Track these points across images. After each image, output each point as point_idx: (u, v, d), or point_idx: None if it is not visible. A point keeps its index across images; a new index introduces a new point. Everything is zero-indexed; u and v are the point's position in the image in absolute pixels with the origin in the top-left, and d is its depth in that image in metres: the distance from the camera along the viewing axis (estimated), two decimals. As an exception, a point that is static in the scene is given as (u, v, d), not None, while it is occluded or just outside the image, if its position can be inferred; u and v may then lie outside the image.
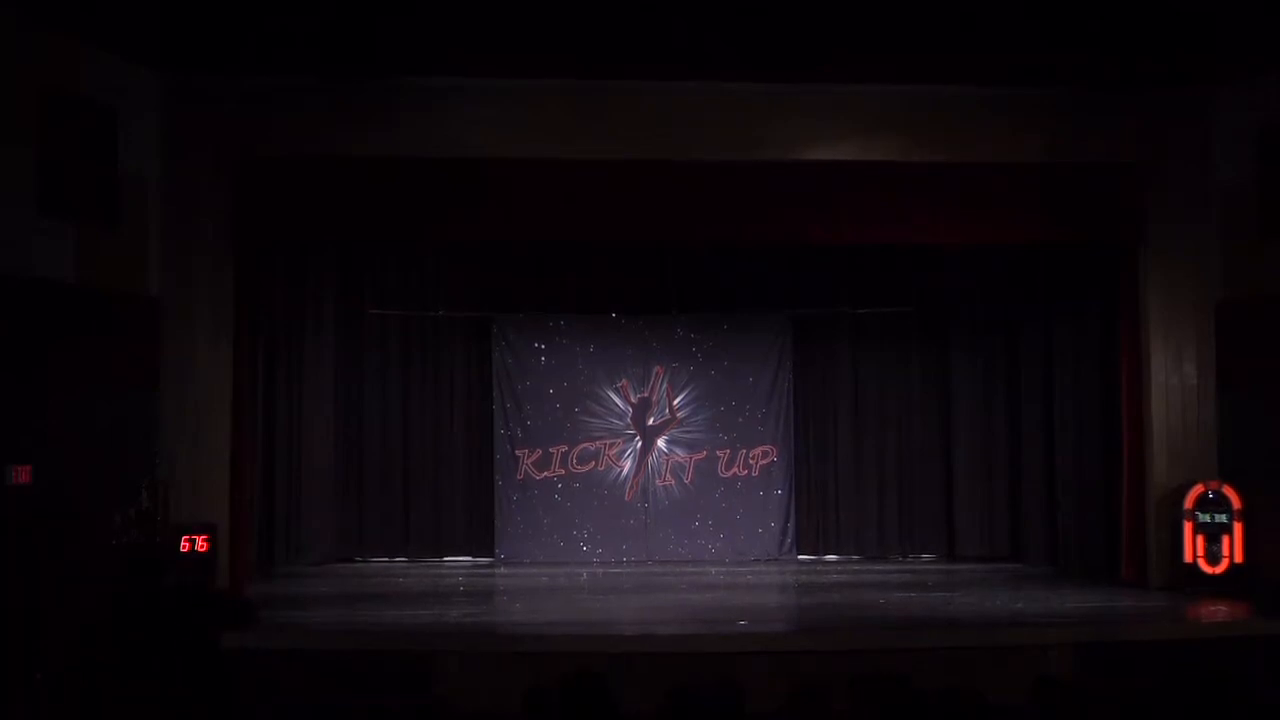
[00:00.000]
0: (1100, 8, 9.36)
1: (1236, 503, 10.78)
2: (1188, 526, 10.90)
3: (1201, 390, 11.22)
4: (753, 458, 13.62)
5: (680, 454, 13.61)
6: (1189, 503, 10.90)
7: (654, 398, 13.64)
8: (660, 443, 13.62)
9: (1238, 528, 10.78)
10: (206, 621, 8.55)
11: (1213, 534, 10.83)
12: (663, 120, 10.96)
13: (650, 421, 13.63)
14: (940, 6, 9.38)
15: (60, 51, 9.75)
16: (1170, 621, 9.70)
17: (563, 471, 13.50)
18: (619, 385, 13.62)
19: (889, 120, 11.09)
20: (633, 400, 13.62)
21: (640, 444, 13.59)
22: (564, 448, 13.52)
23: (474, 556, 13.46)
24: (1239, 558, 10.76)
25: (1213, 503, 10.86)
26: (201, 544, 10.12)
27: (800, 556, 13.57)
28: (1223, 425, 11.15)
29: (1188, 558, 10.90)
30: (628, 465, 13.57)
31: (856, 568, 13.09)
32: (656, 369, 13.65)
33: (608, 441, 13.58)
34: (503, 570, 12.98)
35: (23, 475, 9.07)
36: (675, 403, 13.64)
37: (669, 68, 10.63)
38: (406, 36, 9.99)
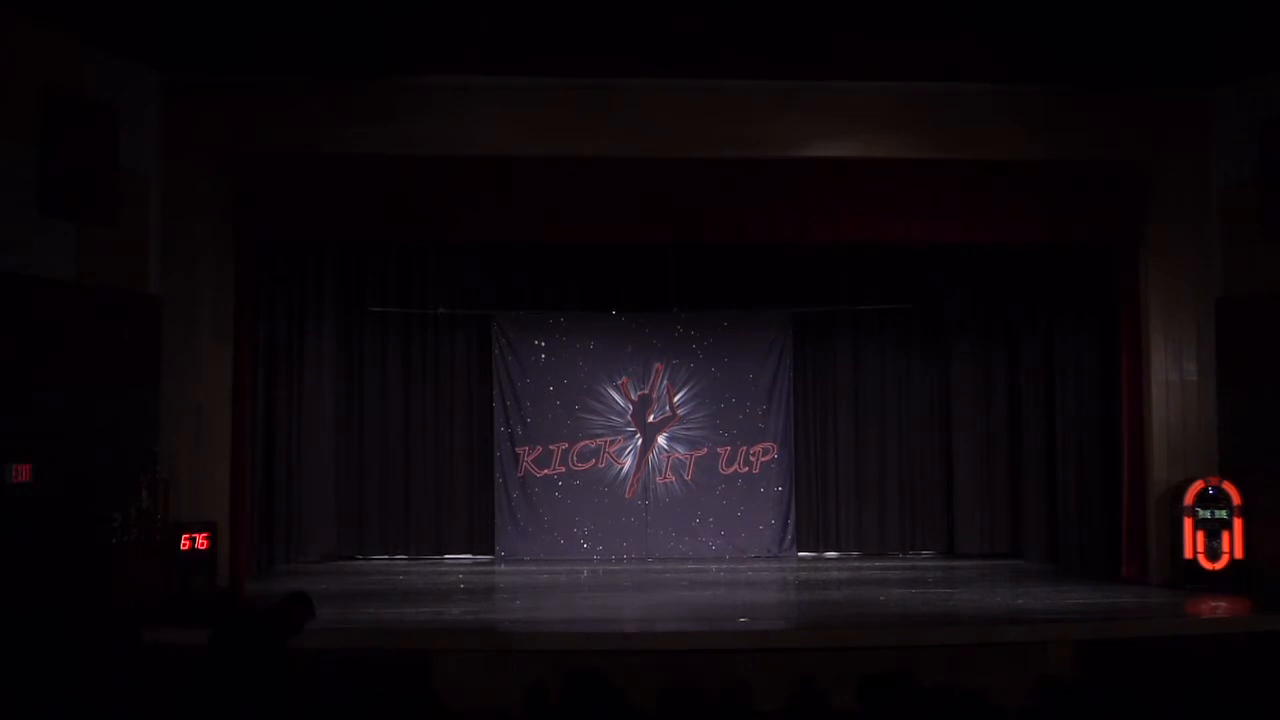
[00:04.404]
0: (1100, 7, 9.36)
1: (1236, 499, 10.80)
2: (1188, 523, 10.90)
3: (1202, 387, 11.23)
4: (753, 455, 13.61)
5: (681, 451, 13.60)
6: (1189, 499, 10.91)
7: (654, 395, 13.63)
8: (661, 440, 13.61)
9: (1238, 524, 10.80)
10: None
11: (1213, 530, 10.85)
12: (664, 118, 10.97)
13: (651, 419, 13.62)
14: (941, 6, 9.39)
15: (60, 51, 9.76)
16: (1171, 618, 9.70)
17: (563, 469, 13.50)
18: (619, 382, 13.61)
19: (890, 118, 11.09)
20: (633, 397, 13.61)
21: (641, 441, 13.59)
22: (564, 445, 13.51)
23: (474, 554, 13.45)
24: (1239, 554, 10.79)
25: (1213, 499, 10.87)
26: (202, 541, 10.14)
27: (800, 553, 13.56)
28: (1223, 422, 11.17)
29: (1188, 554, 10.91)
30: (628, 462, 13.57)
31: (857, 564, 13.08)
32: (657, 366, 13.64)
33: (608, 439, 13.57)
34: (503, 568, 12.97)
35: (23, 474, 9.08)
36: (676, 400, 13.62)
37: (670, 66, 10.63)
38: (406, 35, 10.00)
